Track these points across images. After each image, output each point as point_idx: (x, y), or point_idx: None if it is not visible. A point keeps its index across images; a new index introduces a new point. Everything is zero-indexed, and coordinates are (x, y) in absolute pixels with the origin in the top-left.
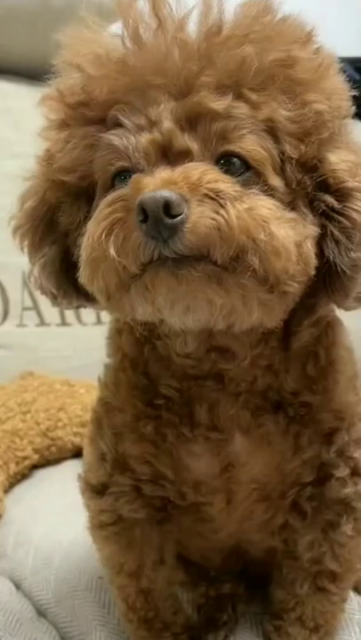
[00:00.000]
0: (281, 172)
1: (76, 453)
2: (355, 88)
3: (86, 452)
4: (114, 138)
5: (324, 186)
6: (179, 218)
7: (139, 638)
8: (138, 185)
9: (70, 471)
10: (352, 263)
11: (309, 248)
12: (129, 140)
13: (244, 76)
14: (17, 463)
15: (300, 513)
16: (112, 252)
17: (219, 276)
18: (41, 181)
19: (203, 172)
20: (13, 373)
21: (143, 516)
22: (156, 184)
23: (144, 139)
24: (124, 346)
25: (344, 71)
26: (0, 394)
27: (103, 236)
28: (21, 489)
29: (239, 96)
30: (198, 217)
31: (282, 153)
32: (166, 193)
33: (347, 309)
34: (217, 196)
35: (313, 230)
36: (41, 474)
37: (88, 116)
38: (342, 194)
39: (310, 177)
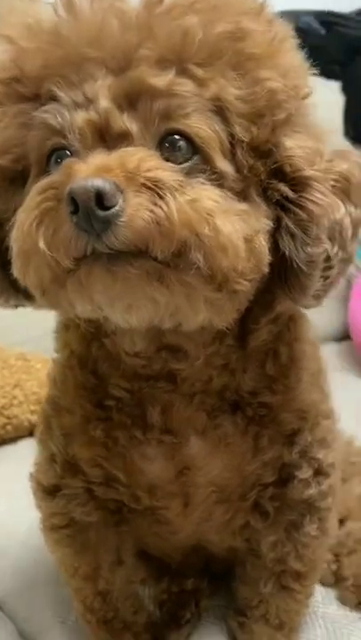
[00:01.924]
0: (231, 156)
1: (33, 432)
2: (319, 41)
3: (37, 451)
4: (48, 116)
5: (280, 174)
6: (112, 210)
7: (99, 639)
8: (69, 171)
9: (27, 451)
10: (308, 259)
11: (262, 243)
12: (64, 118)
13: (187, 49)
14: None
15: (262, 514)
16: (42, 245)
17: (160, 273)
18: None
19: (141, 158)
20: None
21: (97, 519)
22: (88, 171)
23: (80, 118)
24: (71, 342)
25: (309, 24)
26: None
27: (33, 226)
28: None
29: (183, 72)
30: (135, 209)
31: (232, 136)
32: (99, 182)
33: (306, 307)
34: (156, 185)
35: (266, 223)
36: None
37: (21, 92)
38: (298, 183)
39: (264, 163)
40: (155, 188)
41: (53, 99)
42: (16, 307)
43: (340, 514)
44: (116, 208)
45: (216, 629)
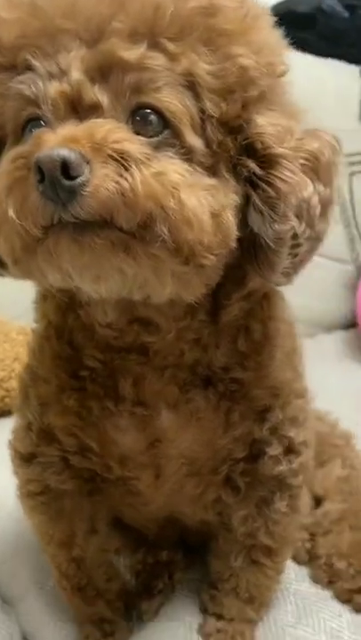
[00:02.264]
0: (201, 131)
1: None
2: (342, 25)
3: (15, 419)
4: (23, 86)
5: (251, 150)
6: (78, 180)
7: (73, 604)
8: (38, 141)
9: None
10: (276, 236)
11: (229, 218)
12: (38, 88)
13: (159, 23)
14: None
15: (233, 488)
16: (11, 213)
17: (126, 245)
18: None
19: (109, 130)
20: None
21: (71, 487)
22: (55, 141)
23: (53, 88)
24: (48, 312)
25: (333, 7)
26: None
27: (3, 195)
28: None
29: (155, 46)
30: (100, 180)
31: (202, 111)
32: (64, 151)
33: (277, 285)
34: (122, 157)
35: (234, 199)
36: None
37: (0, 62)
38: (268, 160)
39: (234, 139)
40: (121, 160)
41: (29, 68)
42: None
43: (319, 494)
44: (82, 178)
45: (189, 601)
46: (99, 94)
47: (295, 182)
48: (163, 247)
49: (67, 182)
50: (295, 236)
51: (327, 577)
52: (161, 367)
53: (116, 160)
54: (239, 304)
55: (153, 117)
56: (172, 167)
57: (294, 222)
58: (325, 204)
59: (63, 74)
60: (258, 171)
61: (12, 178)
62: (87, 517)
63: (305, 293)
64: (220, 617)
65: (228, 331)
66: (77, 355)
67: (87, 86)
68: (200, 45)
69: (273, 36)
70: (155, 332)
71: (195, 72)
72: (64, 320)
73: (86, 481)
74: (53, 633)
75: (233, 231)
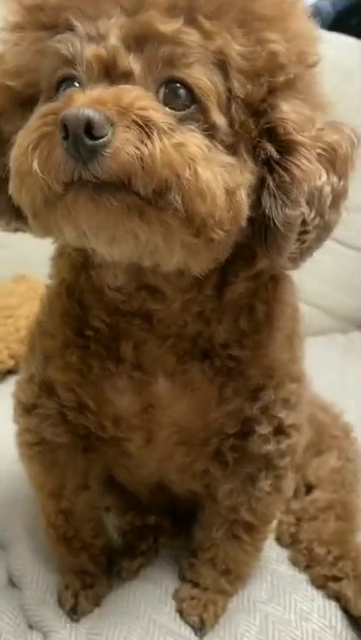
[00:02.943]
0: (226, 110)
1: None
2: None
3: (20, 370)
4: (61, 45)
5: (273, 135)
6: (100, 140)
7: (58, 554)
8: (68, 100)
9: None
10: (286, 220)
11: (242, 197)
12: (75, 48)
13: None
14: None
15: (222, 462)
16: (36, 167)
17: (140, 209)
18: None
19: (136, 96)
20: (8, 273)
21: (66, 441)
22: (83, 101)
23: (90, 51)
24: (62, 270)
25: None
26: None
27: (30, 148)
28: None
29: (191, 22)
30: (122, 143)
31: (229, 90)
32: (90, 112)
33: (284, 269)
34: (146, 124)
35: (249, 179)
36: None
37: (42, 20)
38: (287, 146)
39: (256, 121)
40: (144, 127)
41: (69, 29)
42: (16, 230)
43: (311, 482)
44: (104, 139)
45: (169, 568)
46: (132, 62)
47: (310, 170)
48: (175, 216)
49: (89, 141)
50: (304, 223)
51: (306, 561)
52: (163, 335)
53: (139, 126)
54: (245, 283)
55: (182, 92)
56: (193, 140)
57: (305, 209)
58: (338, 196)
59: (101, 38)
60: (275, 155)
61: (40, 133)
62: (80, 472)
63: (345, 289)
64: (195, 585)
65: (232, 308)
66: (85, 314)
67: (122, 53)
68: (235, 26)
69: (308, 26)
70: (161, 301)
71: (226, 52)
72: (76, 279)
73: (81, 437)
74: (37, 580)
75: (245, 209)
